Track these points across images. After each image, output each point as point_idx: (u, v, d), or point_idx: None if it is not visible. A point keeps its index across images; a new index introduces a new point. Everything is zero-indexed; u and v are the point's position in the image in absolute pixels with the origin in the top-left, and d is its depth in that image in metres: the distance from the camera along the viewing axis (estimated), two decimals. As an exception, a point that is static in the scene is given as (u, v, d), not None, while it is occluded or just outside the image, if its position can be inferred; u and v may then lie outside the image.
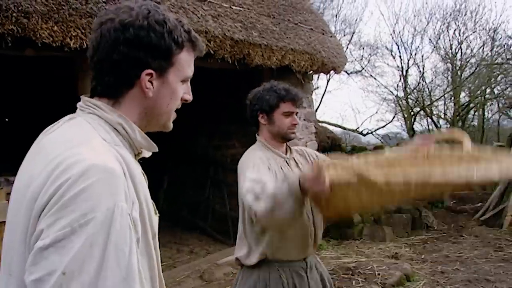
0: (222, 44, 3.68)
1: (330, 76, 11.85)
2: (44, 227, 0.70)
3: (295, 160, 1.93)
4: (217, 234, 5.59)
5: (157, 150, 0.99)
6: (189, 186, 6.12)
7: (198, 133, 5.82)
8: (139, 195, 0.84)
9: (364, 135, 15.20)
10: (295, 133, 1.91)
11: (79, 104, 0.93)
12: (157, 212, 0.99)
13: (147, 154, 1.00)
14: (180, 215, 6.08)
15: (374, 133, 15.26)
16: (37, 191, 0.74)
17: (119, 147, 0.86)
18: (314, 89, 10.02)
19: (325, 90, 13.72)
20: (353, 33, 14.00)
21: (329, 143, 8.79)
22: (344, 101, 23.28)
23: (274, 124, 1.85)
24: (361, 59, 13.89)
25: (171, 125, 1.00)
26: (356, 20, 15.69)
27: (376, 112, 16.31)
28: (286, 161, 1.89)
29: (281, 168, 1.83)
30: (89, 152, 0.77)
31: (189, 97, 1.00)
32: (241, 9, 4.30)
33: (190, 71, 0.97)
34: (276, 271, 1.77)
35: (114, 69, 0.88)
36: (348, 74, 14.11)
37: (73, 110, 0.93)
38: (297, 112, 1.89)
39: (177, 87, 0.94)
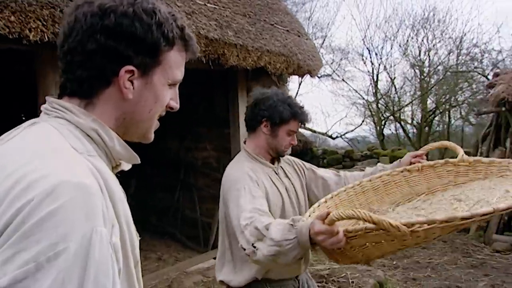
0: (196, 42, 3.50)
1: (301, 79, 11.86)
2: None
3: (283, 170, 1.83)
4: (187, 241, 5.40)
5: (139, 161, 0.82)
6: (158, 190, 5.88)
7: (168, 134, 5.59)
8: (119, 215, 0.68)
9: (334, 138, 15.36)
10: (289, 152, 1.82)
11: (43, 107, 0.75)
12: (138, 235, 0.83)
13: (126, 166, 0.83)
14: (148, 220, 5.83)
15: (343, 136, 15.45)
16: None
17: (94, 157, 0.71)
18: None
19: (297, 93, 13.75)
20: (325, 37, 14.12)
21: (301, 147, 8.77)
22: (315, 105, 23.49)
23: (275, 138, 1.74)
24: (332, 63, 14.02)
25: (152, 136, 0.84)
26: (328, 24, 15.84)
27: (345, 116, 16.50)
28: (275, 171, 1.78)
29: (271, 179, 1.72)
30: (57, 164, 0.62)
31: (176, 104, 0.84)
32: (216, 7, 4.13)
33: (179, 73, 0.82)
34: None
35: (87, 61, 0.72)
36: (319, 77, 14.21)
37: (33, 112, 0.74)
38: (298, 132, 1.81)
39: (162, 90, 0.79)
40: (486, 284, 4.23)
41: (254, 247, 1.36)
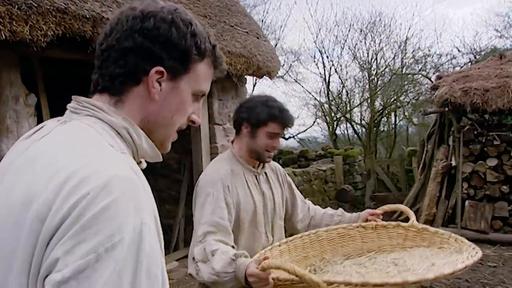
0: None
1: (256, 80, 11.98)
2: (60, 255, 0.56)
3: (266, 175, 1.83)
4: (146, 244, 5.29)
5: (161, 159, 0.84)
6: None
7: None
8: (154, 208, 0.70)
9: (286, 139, 15.61)
10: (271, 157, 1.78)
11: (70, 106, 0.77)
12: None
13: (144, 164, 0.84)
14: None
15: (295, 137, 15.76)
16: (44, 211, 0.59)
17: (125, 155, 0.73)
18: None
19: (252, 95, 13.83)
20: (278, 39, 14.34)
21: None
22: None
23: (254, 140, 1.72)
24: (283, 64, 14.26)
25: (169, 146, 0.85)
26: (281, 26, 16.10)
27: (297, 117, 16.85)
28: (256, 176, 1.78)
29: (247, 184, 1.73)
30: (104, 160, 0.65)
31: (198, 119, 0.86)
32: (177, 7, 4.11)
33: (206, 86, 0.85)
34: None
35: (122, 58, 0.76)
36: (272, 79, 14.39)
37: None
38: (283, 135, 1.80)
39: (187, 98, 0.82)
40: (436, 273, 4.51)
41: (198, 266, 1.50)
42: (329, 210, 1.98)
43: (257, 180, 1.78)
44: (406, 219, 1.75)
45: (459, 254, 1.45)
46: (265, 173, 1.83)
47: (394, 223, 1.75)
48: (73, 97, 0.78)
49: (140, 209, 0.62)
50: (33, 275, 0.59)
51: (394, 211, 1.97)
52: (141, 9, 0.77)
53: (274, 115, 1.69)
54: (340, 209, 2.01)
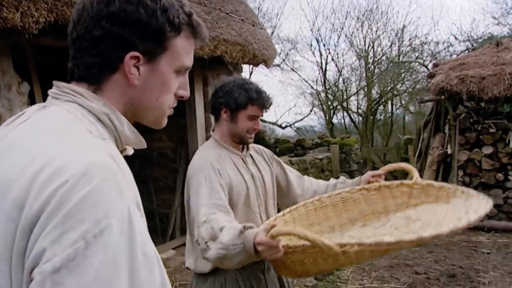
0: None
1: (252, 69, 11.92)
2: (47, 245, 0.55)
3: (252, 158, 1.83)
4: (143, 232, 5.31)
5: (145, 146, 0.83)
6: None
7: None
8: (136, 195, 0.69)
9: (283, 128, 15.60)
10: (253, 138, 1.78)
11: (51, 91, 0.75)
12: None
13: (130, 151, 0.83)
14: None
15: (292, 126, 15.75)
16: (21, 197, 0.58)
17: (106, 141, 0.72)
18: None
19: (247, 83, 13.77)
20: (274, 27, 14.24)
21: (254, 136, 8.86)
22: (264, 94, 23.63)
23: (235, 124, 1.72)
24: (280, 53, 14.19)
25: (164, 122, 0.84)
26: (277, 14, 15.97)
27: (294, 106, 16.85)
28: (242, 159, 1.78)
29: (236, 167, 1.72)
30: (81, 147, 0.64)
31: (186, 93, 0.84)
32: (171, -6, 4.05)
33: (188, 60, 0.81)
34: (233, 275, 1.67)
35: (94, 47, 0.73)
36: (268, 67, 14.32)
37: None
38: (262, 116, 1.77)
39: (169, 77, 0.79)
40: (430, 260, 4.57)
41: (207, 246, 1.41)
42: (331, 181, 1.96)
43: (245, 163, 1.78)
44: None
45: (469, 206, 1.37)
46: (251, 155, 1.83)
47: (397, 182, 1.70)
48: (54, 82, 0.76)
49: (123, 195, 0.61)
50: (16, 264, 0.58)
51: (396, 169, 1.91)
52: None
53: (253, 97, 1.69)
54: (342, 177, 1.99)
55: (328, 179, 2.03)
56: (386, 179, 1.81)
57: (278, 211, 1.85)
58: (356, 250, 1.14)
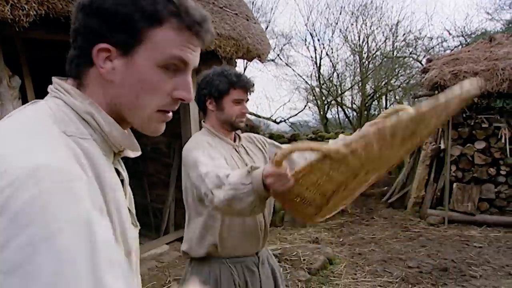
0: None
1: (247, 64, 11.88)
2: None
3: (244, 148, 1.83)
4: (136, 227, 5.30)
5: (139, 150, 0.79)
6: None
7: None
8: (108, 201, 0.67)
9: (278, 123, 15.59)
10: (244, 121, 1.78)
11: (49, 87, 0.74)
12: (137, 224, 0.82)
13: (132, 154, 0.80)
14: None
15: (286, 121, 15.75)
16: None
17: (86, 140, 0.68)
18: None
19: (242, 78, 13.73)
20: (269, 22, 14.18)
21: (248, 131, 8.86)
22: (259, 90, 23.65)
23: (222, 111, 1.73)
24: (274, 47, 14.15)
25: (154, 127, 0.75)
26: (272, 9, 15.91)
27: (289, 101, 16.82)
28: (235, 149, 1.78)
29: (231, 156, 1.72)
30: (36, 147, 0.59)
31: (185, 94, 0.74)
32: (164, -13, 4.02)
33: (178, 52, 0.71)
34: (227, 268, 1.68)
35: (74, 40, 0.72)
36: (262, 62, 14.29)
37: None
38: (248, 100, 1.78)
39: (150, 73, 0.71)
40: (423, 254, 4.60)
41: (213, 194, 1.37)
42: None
43: (238, 153, 1.78)
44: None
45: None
46: (243, 145, 1.84)
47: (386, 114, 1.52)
48: (52, 78, 0.75)
49: (79, 199, 0.57)
50: None
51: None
52: None
53: (233, 81, 1.71)
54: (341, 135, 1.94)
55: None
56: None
57: (273, 210, 1.84)
58: (363, 144, 1.03)
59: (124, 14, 0.68)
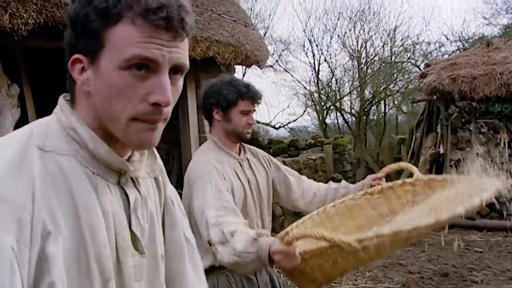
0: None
1: (245, 70, 11.91)
2: None
3: (248, 161, 1.81)
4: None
5: (126, 168, 0.73)
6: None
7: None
8: (81, 222, 0.64)
9: (277, 128, 15.61)
10: (250, 132, 1.77)
11: None
12: (143, 251, 0.75)
13: (145, 174, 0.77)
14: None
15: (286, 126, 15.77)
16: None
17: (64, 157, 0.66)
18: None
19: (241, 84, 13.77)
20: (267, 28, 14.25)
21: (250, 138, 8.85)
22: (257, 95, 23.61)
23: (230, 122, 1.71)
24: (273, 53, 14.20)
25: (138, 140, 0.67)
26: (270, 15, 15.99)
27: (288, 106, 16.86)
28: (239, 163, 1.76)
29: (235, 171, 1.70)
30: None
31: (159, 97, 0.64)
32: (163, -5, 4.04)
33: (137, 49, 0.62)
34: (225, 276, 1.66)
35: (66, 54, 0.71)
36: (261, 68, 14.33)
37: None
38: (255, 111, 1.76)
39: (113, 78, 0.63)
40: (424, 259, 4.58)
41: (216, 249, 1.39)
42: (332, 184, 1.93)
43: (242, 167, 1.76)
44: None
45: (479, 185, 1.29)
46: (247, 158, 1.81)
47: (399, 181, 1.66)
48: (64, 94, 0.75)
49: None
50: None
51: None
52: None
53: (242, 92, 1.69)
54: (343, 181, 1.96)
55: (322, 180, 2.02)
56: (386, 178, 1.79)
57: (273, 216, 1.83)
58: (376, 243, 1.08)
59: (82, 17, 0.64)
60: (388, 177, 1.81)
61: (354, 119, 13.96)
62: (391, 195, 1.67)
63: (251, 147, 1.91)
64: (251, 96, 1.70)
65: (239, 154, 1.79)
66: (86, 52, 0.65)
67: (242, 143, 1.83)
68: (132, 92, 0.64)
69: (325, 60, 14.00)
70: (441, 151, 6.29)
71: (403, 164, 1.81)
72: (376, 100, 13.88)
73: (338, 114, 14.43)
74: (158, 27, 0.63)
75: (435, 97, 6.27)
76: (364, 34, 13.55)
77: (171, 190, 0.91)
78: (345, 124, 14.29)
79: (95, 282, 0.65)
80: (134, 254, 0.73)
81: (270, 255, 1.22)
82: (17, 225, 0.57)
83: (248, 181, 1.75)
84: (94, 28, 0.63)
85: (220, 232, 1.39)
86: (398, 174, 7.62)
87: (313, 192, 1.91)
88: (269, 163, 1.90)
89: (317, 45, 14.40)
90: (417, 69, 12.56)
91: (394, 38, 13.54)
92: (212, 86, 1.74)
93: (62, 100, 0.72)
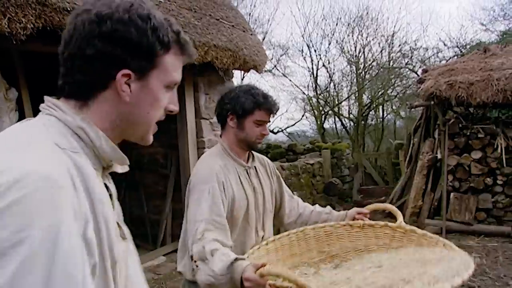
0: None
1: (244, 74, 11.94)
2: None
3: (256, 170, 1.80)
4: (134, 239, 5.25)
5: (127, 163, 0.84)
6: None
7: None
8: (97, 214, 0.70)
9: (275, 133, 15.62)
10: (261, 142, 1.77)
11: (41, 106, 0.78)
12: (125, 236, 0.84)
13: (120, 168, 0.85)
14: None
15: (284, 131, 15.78)
16: None
17: (78, 154, 0.73)
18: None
19: (239, 88, 13.78)
20: (266, 33, 14.29)
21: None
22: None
23: (243, 131, 1.69)
24: (271, 58, 14.24)
25: (150, 139, 0.86)
26: (268, 20, 16.05)
27: (286, 111, 16.87)
28: (246, 170, 1.75)
29: (240, 179, 1.70)
30: (26, 157, 0.63)
31: (175, 107, 0.86)
32: (161, 0, 4.06)
33: (177, 76, 0.83)
34: None
35: (86, 66, 0.75)
36: (259, 73, 14.35)
37: None
38: (269, 122, 1.75)
39: (159, 93, 0.81)
40: (421, 264, 4.58)
41: (196, 265, 1.43)
42: (317, 208, 1.96)
43: (248, 175, 1.75)
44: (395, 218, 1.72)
45: (450, 262, 1.36)
46: (255, 167, 1.80)
47: (381, 223, 1.72)
48: (44, 97, 0.79)
49: (60, 208, 0.61)
50: None
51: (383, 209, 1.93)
52: (95, 12, 0.75)
53: (260, 102, 1.67)
54: (328, 207, 1.99)
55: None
56: (370, 213, 1.85)
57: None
58: None
59: (147, 45, 0.77)
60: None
61: (352, 124, 13.99)
62: (370, 233, 1.74)
63: (260, 155, 1.90)
64: (268, 107, 1.69)
65: (247, 162, 1.78)
66: (137, 70, 0.77)
67: (251, 151, 1.81)
68: (163, 103, 0.83)
69: (324, 65, 14.05)
70: (439, 156, 6.30)
71: (389, 207, 1.89)
72: (374, 105, 13.91)
73: (336, 119, 14.46)
74: (187, 59, 0.85)
75: (432, 102, 6.28)
76: (362, 40, 13.61)
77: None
78: (343, 129, 14.32)
79: (108, 267, 0.73)
80: (120, 240, 0.82)
81: (242, 281, 1.29)
82: (73, 212, 0.63)
83: (254, 189, 1.74)
84: (157, 55, 0.78)
85: (202, 248, 1.44)
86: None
87: (299, 212, 1.95)
88: (273, 173, 1.91)
89: (315, 50, 14.46)
90: (415, 75, 12.61)
91: (392, 43, 13.60)
92: (230, 92, 1.72)
93: (57, 102, 0.76)
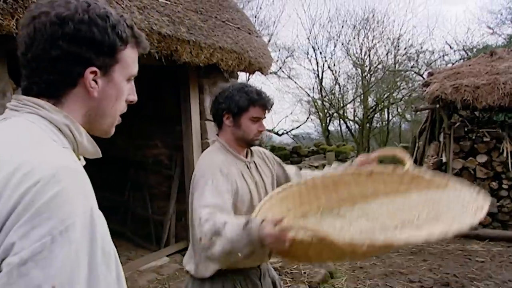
0: (149, 38, 3.42)
1: (249, 76, 11.95)
2: (15, 239, 0.61)
3: (255, 164, 1.83)
4: (138, 239, 5.29)
5: (100, 156, 0.90)
6: (106, 189, 5.69)
7: (115, 131, 5.41)
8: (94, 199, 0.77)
9: (280, 135, 15.63)
10: (259, 139, 1.78)
11: (10, 104, 0.80)
12: None
13: (83, 161, 0.89)
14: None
15: (288, 133, 15.78)
16: None
17: (67, 149, 0.79)
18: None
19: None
20: (271, 35, 14.32)
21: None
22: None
23: (239, 128, 1.72)
24: (277, 60, 14.26)
25: (112, 130, 0.93)
26: (274, 22, 16.07)
27: (291, 113, 16.90)
28: (247, 165, 1.78)
29: (242, 174, 1.72)
30: (49, 153, 0.71)
31: (134, 97, 0.93)
32: (167, 2, 4.08)
33: (135, 68, 0.90)
34: (231, 281, 1.67)
35: (53, 66, 0.79)
36: (265, 75, 14.37)
37: None
38: (265, 118, 1.77)
39: (122, 86, 0.88)
40: (425, 268, 4.56)
41: (212, 241, 1.39)
42: (326, 169, 1.97)
43: (249, 170, 1.77)
44: None
45: (462, 202, 1.32)
46: (254, 161, 1.83)
47: (389, 169, 1.69)
48: (13, 96, 0.82)
49: (88, 196, 0.69)
50: None
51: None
52: (55, 13, 0.77)
53: (254, 99, 1.70)
54: (335, 163, 2.00)
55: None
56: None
57: None
58: (365, 249, 1.12)
59: (109, 42, 0.82)
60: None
61: (357, 126, 13.96)
62: (378, 180, 1.71)
63: (256, 148, 1.92)
64: (263, 103, 1.72)
65: (246, 157, 1.80)
66: (102, 66, 0.82)
67: (249, 147, 1.83)
68: (125, 95, 0.90)
69: (329, 67, 14.06)
70: (444, 159, 6.28)
71: (398, 152, 1.82)
72: (380, 108, 13.89)
73: (341, 121, 14.44)
74: (141, 51, 0.91)
75: (438, 106, 6.27)
76: (368, 42, 13.62)
77: None
78: (348, 132, 14.29)
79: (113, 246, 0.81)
80: None
81: (262, 238, 1.26)
82: (94, 197, 0.72)
83: (256, 184, 1.77)
84: (118, 50, 0.84)
85: (212, 225, 1.41)
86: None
87: (309, 176, 1.94)
88: (273, 162, 1.93)
89: (321, 53, 14.49)
90: (421, 78, 12.57)
91: (398, 46, 13.60)
92: (224, 91, 1.75)
93: (40, 101, 0.79)
